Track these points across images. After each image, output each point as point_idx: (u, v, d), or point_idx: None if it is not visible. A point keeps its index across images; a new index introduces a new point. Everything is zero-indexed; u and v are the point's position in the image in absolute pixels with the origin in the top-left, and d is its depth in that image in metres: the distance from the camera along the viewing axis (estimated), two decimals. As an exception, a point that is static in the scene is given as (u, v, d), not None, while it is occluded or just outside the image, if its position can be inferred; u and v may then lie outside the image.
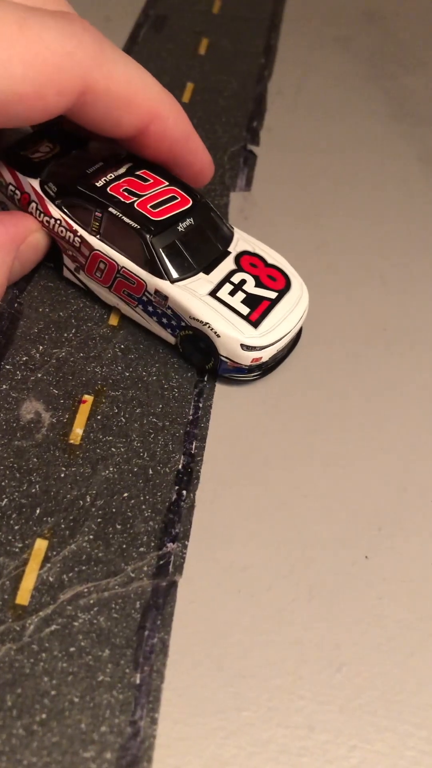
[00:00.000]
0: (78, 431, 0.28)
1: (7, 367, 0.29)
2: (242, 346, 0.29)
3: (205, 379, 0.31)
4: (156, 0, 0.53)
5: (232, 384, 0.31)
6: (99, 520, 0.26)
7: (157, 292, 0.29)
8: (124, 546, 0.25)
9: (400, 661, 0.25)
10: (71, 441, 0.27)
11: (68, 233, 0.30)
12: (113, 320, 0.32)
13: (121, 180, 0.30)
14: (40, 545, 0.25)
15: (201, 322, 0.29)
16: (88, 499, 0.26)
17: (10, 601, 0.23)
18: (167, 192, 0.30)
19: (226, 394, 0.30)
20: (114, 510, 0.26)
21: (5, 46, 0.23)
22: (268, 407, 0.31)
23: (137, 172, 0.31)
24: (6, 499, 0.26)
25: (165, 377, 0.30)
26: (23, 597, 0.24)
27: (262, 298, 0.30)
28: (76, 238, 0.30)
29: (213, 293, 0.29)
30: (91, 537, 0.25)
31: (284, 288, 0.31)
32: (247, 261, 0.31)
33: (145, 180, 0.30)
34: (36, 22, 0.24)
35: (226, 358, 0.29)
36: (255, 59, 0.50)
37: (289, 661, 0.24)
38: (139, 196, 0.29)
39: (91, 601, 0.24)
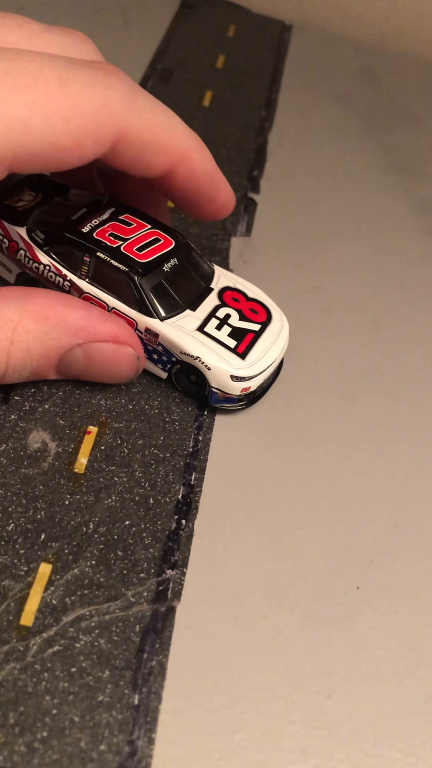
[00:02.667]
0: (83, 461, 0.29)
1: (16, 398, 0.30)
2: (232, 377, 0.30)
3: (205, 413, 0.32)
4: (163, 54, 0.56)
5: (231, 418, 0.32)
6: (101, 546, 0.27)
7: (147, 330, 0.31)
8: (125, 572, 0.26)
9: (389, 689, 0.26)
10: (76, 470, 0.29)
11: (58, 278, 0.31)
12: (118, 356, 0.33)
13: (106, 225, 0.32)
14: (45, 569, 0.26)
15: (192, 356, 0.30)
16: (91, 526, 0.27)
17: (14, 622, 0.24)
18: (150, 235, 0.32)
19: (225, 428, 0.32)
20: (116, 537, 0.27)
21: (48, 102, 0.25)
22: (266, 442, 0.32)
23: (120, 217, 0.32)
24: (12, 524, 0.27)
25: (166, 410, 0.31)
26: (27, 618, 0.25)
27: (246, 331, 0.31)
28: (66, 282, 0.31)
29: (200, 328, 0.31)
30: (93, 562, 0.26)
31: (266, 320, 0.32)
32: (230, 296, 0.33)
33: (129, 224, 0.32)
34: (76, 77, 0.26)
35: (216, 389, 0.31)
36: (256, 112, 0.52)
37: (282, 687, 0.25)
38: (125, 240, 0.31)
39: (93, 624, 0.25)
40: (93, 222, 0.32)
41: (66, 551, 0.26)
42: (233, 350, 0.31)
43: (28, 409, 0.30)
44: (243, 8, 0.65)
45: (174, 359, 0.31)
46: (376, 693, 0.26)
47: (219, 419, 0.32)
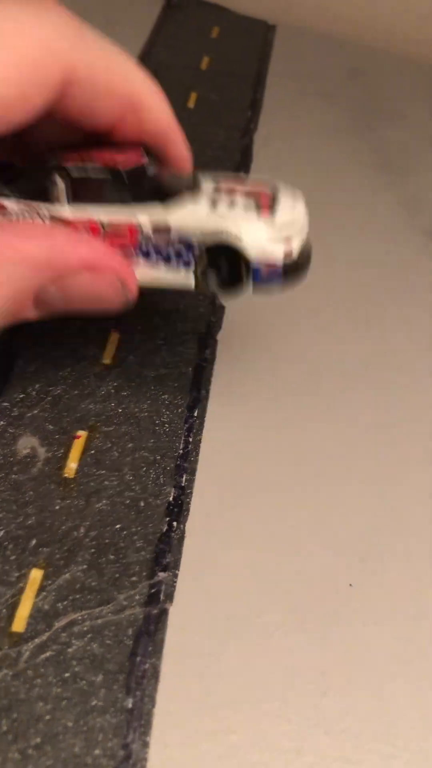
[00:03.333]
0: (72, 465, 0.29)
1: (5, 404, 0.30)
2: (269, 239, 0.26)
3: (195, 414, 0.32)
4: (147, 56, 0.56)
5: (221, 419, 0.32)
6: (92, 550, 0.27)
7: (156, 228, 0.27)
8: (117, 575, 0.26)
9: (383, 686, 0.26)
10: (66, 475, 0.29)
11: (36, 218, 0.27)
12: (107, 359, 0.33)
13: (67, 156, 0.28)
14: (36, 575, 0.26)
15: (218, 232, 0.26)
16: (82, 531, 0.27)
17: (6, 629, 0.24)
18: (116, 151, 0.28)
19: (216, 429, 0.32)
20: (107, 541, 0.27)
21: None
22: (256, 442, 0.32)
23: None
24: (3, 531, 0.27)
25: (156, 413, 0.31)
26: (19, 624, 0.24)
27: (260, 198, 0.28)
28: (46, 220, 0.27)
29: (212, 209, 0.27)
30: (84, 567, 0.26)
31: (274, 192, 0.29)
32: (225, 188, 0.29)
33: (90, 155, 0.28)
34: (8, 16, 0.22)
35: (257, 262, 0.27)
36: (242, 112, 0.52)
37: (277, 686, 0.25)
38: (92, 160, 0.27)
39: (85, 629, 0.25)
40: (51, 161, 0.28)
41: (57, 556, 0.26)
42: (258, 217, 0.27)
43: (16, 414, 0.30)
44: (227, 9, 0.65)
45: (196, 251, 0.27)
46: (371, 690, 0.26)
47: (209, 420, 0.32)
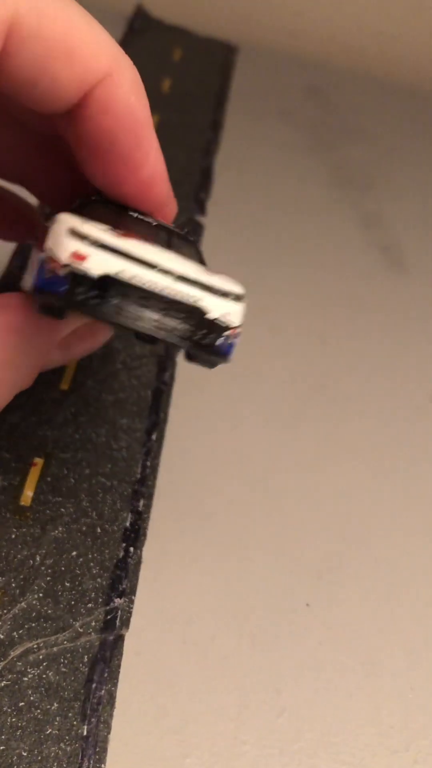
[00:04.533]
0: (29, 493, 0.29)
1: (-38, 433, 0.30)
2: (70, 229, 0.20)
3: (153, 437, 0.32)
4: (109, 81, 0.56)
5: (180, 443, 0.32)
6: (48, 578, 0.27)
7: None
8: (73, 602, 0.27)
9: (339, 704, 0.26)
10: (22, 503, 0.29)
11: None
12: (65, 384, 0.33)
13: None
14: (-8, 604, 0.26)
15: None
16: (38, 559, 0.27)
17: (-39, 660, 0.25)
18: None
19: (174, 454, 0.32)
20: (63, 568, 0.27)
21: None
22: (213, 465, 0.32)
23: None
24: (-41, 561, 0.27)
25: (114, 438, 0.32)
26: (-26, 655, 0.25)
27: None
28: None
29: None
30: (40, 595, 0.26)
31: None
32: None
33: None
34: None
35: (43, 258, 0.21)
36: (203, 134, 0.53)
37: (232, 708, 0.25)
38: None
39: (41, 657, 0.25)
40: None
41: (13, 585, 0.26)
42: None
43: (-27, 444, 0.30)
44: (188, 31, 0.65)
45: None
46: (326, 708, 0.26)
47: (168, 445, 0.32)
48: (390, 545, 0.31)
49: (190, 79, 0.59)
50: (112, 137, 0.21)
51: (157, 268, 0.21)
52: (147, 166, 0.23)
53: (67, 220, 0.20)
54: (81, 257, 0.20)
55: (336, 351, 0.39)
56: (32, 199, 0.30)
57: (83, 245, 0.20)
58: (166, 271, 0.21)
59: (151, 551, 0.29)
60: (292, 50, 0.67)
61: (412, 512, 0.33)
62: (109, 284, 0.20)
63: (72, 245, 0.20)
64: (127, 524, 0.29)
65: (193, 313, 0.22)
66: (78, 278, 0.20)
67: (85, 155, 0.22)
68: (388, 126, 0.60)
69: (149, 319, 0.21)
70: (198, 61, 0.62)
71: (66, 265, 0.20)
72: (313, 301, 0.42)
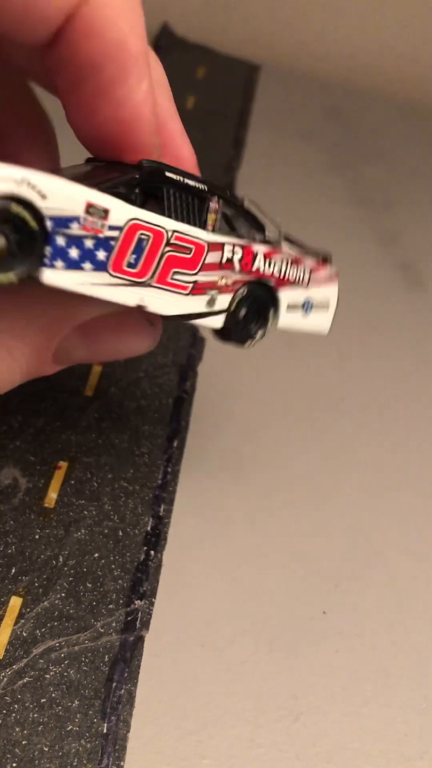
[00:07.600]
0: (53, 495, 0.30)
1: (-12, 435, 0.31)
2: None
3: (174, 444, 0.33)
4: (134, 97, 0.58)
5: (200, 450, 0.33)
6: (71, 578, 0.27)
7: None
8: (94, 603, 0.27)
9: (354, 711, 0.26)
10: (46, 505, 0.29)
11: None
12: (89, 391, 0.34)
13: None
14: (15, 602, 0.26)
15: None
16: (61, 559, 0.28)
17: (-15, 656, 0.25)
18: None
19: (195, 460, 0.33)
20: (85, 569, 0.28)
21: None
22: (233, 472, 0.33)
23: None
24: (-16, 560, 0.27)
25: (136, 444, 0.32)
26: (-2, 651, 0.25)
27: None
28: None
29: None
30: (63, 595, 0.27)
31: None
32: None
33: None
34: None
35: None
36: (225, 151, 0.54)
37: (249, 711, 0.26)
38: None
39: (62, 655, 0.25)
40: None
41: (36, 584, 0.27)
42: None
43: (-1, 446, 0.31)
44: (212, 50, 0.67)
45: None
46: (342, 715, 0.26)
47: (188, 451, 0.33)
48: (407, 557, 0.32)
49: (214, 97, 0.60)
50: (94, 65, 0.18)
51: None
52: (129, 105, 0.19)
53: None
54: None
55: (354, 366, 0.39)
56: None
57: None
58: None
59: (171, 555, 0.29)
60: (313, 71, 0.68)
61: (430, 525, 0.33)
62: None
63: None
64: (148, 528, 0.30)
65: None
66: None
67: (64, 88, 0.19)
68: (406, 146, 0.60)
69: None
70: (221, 79, 0.63)
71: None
72: (331, 315, 0.42)
